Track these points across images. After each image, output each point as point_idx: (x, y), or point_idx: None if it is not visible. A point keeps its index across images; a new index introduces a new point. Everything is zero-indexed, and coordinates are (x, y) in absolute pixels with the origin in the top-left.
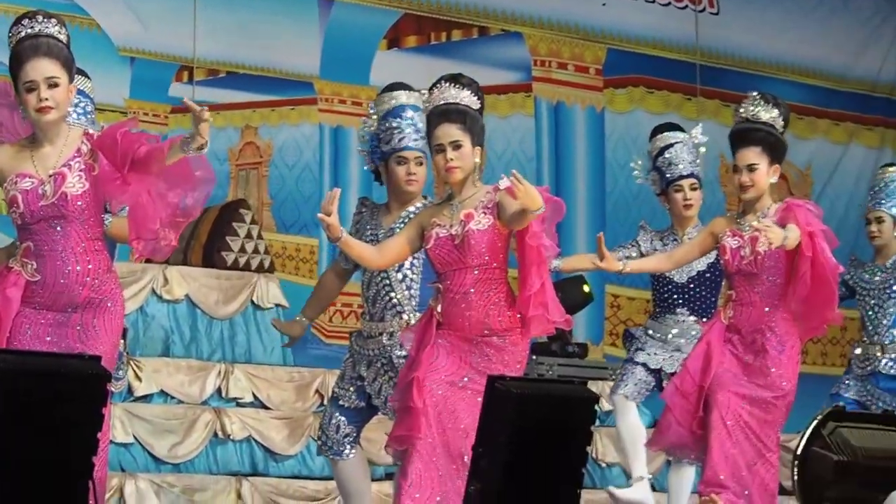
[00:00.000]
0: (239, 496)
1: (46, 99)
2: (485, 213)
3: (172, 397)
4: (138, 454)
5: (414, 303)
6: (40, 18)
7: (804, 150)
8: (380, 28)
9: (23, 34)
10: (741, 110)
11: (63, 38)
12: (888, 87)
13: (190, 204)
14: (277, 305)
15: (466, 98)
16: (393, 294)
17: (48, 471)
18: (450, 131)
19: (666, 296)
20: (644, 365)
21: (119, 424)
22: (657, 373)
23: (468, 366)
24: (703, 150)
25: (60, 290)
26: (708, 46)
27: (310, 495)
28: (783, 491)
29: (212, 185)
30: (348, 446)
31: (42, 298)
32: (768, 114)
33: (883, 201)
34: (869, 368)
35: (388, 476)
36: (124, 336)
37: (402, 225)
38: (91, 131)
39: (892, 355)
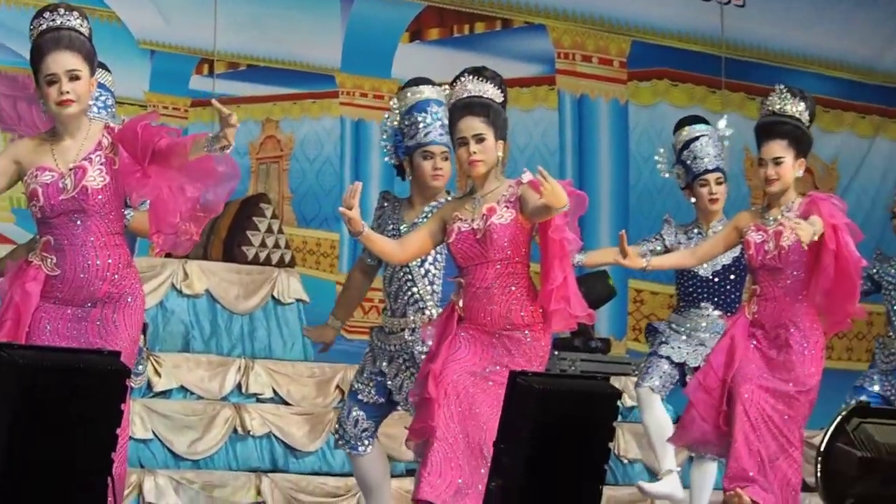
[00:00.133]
0: (259, 492)
1: (68, 92)
2: (507, 207)
3: (192, 393)
4: (157, 450)
5: (436, 298)
6: (62, 11)
7: (830, 143)
8: (402, 21)
9: (44, 27)
10: (767, 103)
11: (85, 31)
12: None
13: (212, 199)
14: (298, 300)
15: (490, 91)
16: (415, 289)
17: (67, 467)
18: (473, 124)
19: (690, 290)
20: (668, 358)
21: (138, 420)
22: (681, 367)
23: (490, 358)
24: (727, 143)
25: (80, 284)
26: (733, 39)
27: (330, 492)
28: (806, 487)
29: (235, 181)
30: (366, 441)
31: (61, 293)
32: (795, 107)
33: None
34: (894, 363)
35: (409, 472)
36: (144, 331)
37: (425, 220)
38: (112, 125)
39: None
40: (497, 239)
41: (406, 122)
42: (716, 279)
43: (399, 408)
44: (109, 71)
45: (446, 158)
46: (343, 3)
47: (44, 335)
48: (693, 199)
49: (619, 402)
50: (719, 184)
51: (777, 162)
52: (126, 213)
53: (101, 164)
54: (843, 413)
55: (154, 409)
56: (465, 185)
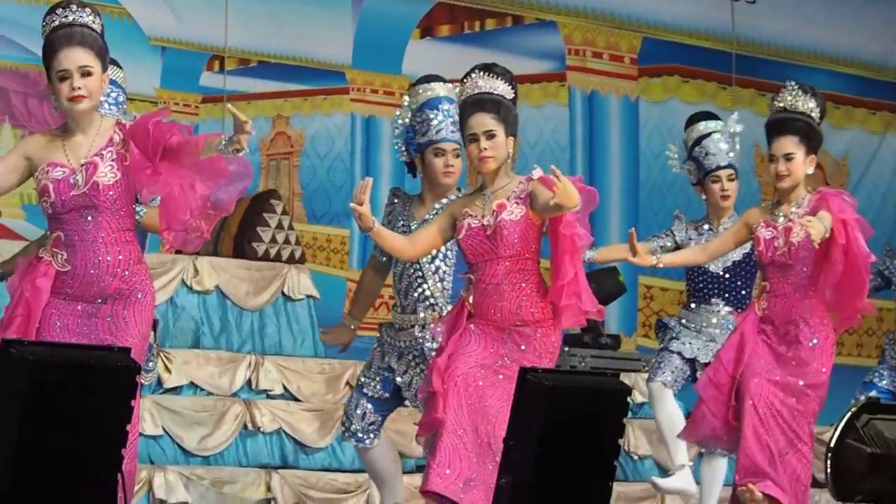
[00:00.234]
0: (268, 489)
1: (79, 88)
2: (517, 204)
3: (202, 389)
4: (167, 446)
5: (447, 295)
6: (74, 7)
7: (841, 139)
8: (412, 17)
9: (56, 23)
10: (778, 100)
11: (97, 27)
12: None
13: (223, 198)
14: (308, 296)
15: (500, 87)
16: (425, 286)
17: (77, 463)
18: (483, 120)
19: (701, 286)
20: (679, 354)
21: (148, 416)
22: (691, 363)
23: (500, 352)
24: (738, 139)
25: (91, 280)
26: (744, 35)
27: (340, 488)
28: (816, 483)
29: (248, 180)
30: (372, 434)
31: (72, 289)
32: (805, 104)
33: None
34: None
35: (419, 468)
36: (154, 328)
37: (435, 217)
38: (123, 121)
39: None
40: (507, 235)
41: (417, 120)
42: (726, 275)
43: (408, 404)
44: (121, 67)
45: (458, 156)
46: None
47: (54, 331)
48: (704, 196)
49: (629, 399)
50: (731, 180)
51: (788, 158)
52: (138, 209)
53: (113, 161)
54: (853, 409)
55: (164, 405)
56: (476, 181)
